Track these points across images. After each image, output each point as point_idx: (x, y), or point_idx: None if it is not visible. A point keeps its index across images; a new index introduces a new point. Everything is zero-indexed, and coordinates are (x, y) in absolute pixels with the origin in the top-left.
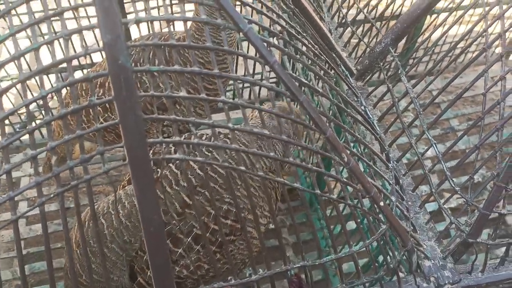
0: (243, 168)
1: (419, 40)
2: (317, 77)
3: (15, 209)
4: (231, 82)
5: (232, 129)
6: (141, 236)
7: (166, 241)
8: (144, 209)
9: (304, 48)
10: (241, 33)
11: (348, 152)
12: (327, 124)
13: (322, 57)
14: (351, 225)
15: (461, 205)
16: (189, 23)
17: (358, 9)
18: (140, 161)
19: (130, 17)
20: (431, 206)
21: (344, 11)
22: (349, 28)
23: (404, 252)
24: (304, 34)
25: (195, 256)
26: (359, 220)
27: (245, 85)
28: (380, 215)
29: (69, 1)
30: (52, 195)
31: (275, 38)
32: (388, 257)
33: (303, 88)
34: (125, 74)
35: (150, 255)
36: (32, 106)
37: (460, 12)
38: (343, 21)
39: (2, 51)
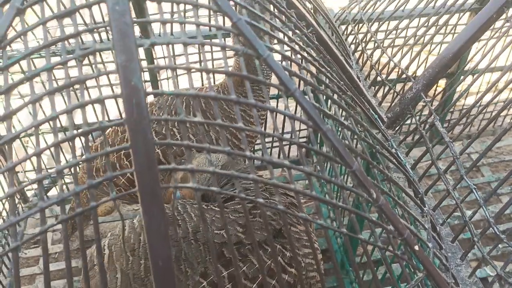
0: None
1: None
2: (342, 112)
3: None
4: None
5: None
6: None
7: (174, 277)
8: (152, 240)
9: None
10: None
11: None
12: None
13: (348, 93)
14: None
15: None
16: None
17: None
18: (149, 186)
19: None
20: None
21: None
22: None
23: None
24: (329, 69)
25: None
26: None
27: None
28: (416, 262)
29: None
30: (55, 223)
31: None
32: None
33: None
34: (137, 96)
35: None
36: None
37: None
38: (374, 74)
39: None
